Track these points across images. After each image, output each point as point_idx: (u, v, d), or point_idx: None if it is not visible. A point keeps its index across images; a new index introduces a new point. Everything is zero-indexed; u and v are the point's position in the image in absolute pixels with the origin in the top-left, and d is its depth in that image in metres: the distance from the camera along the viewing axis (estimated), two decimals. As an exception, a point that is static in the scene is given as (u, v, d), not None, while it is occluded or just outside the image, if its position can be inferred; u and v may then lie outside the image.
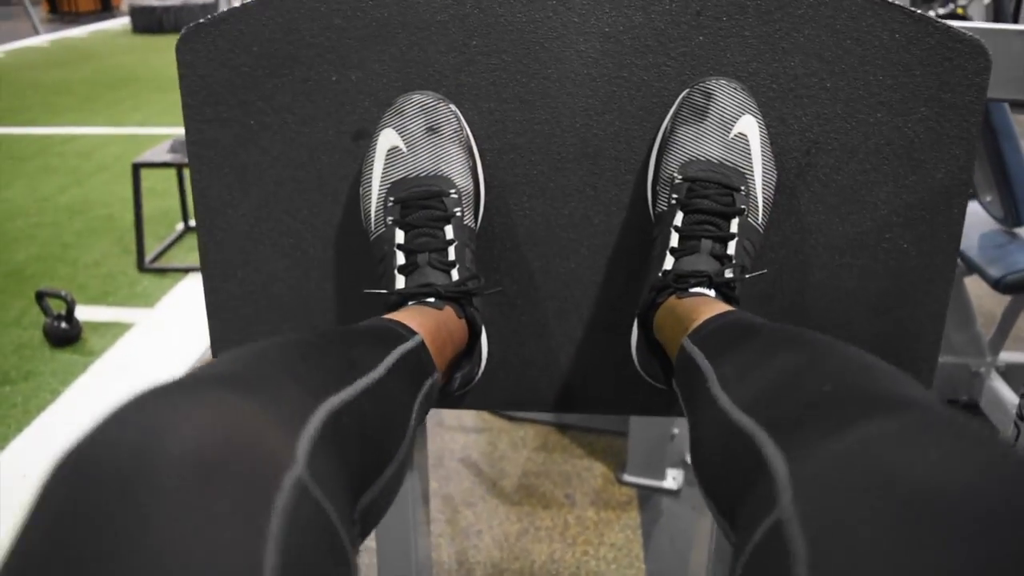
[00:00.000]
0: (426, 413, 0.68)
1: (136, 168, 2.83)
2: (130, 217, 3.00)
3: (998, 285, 1.70)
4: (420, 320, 0.71)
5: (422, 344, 0.67)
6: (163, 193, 3.44)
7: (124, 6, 9.07)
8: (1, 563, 0.32)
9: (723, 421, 0.50)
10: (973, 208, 1.88)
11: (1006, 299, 1.92)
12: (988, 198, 1.80)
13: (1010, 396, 1.89)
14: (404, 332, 0.67)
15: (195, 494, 0.32)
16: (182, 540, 0.31)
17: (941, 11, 2.95)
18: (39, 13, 8.64)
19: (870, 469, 0.34)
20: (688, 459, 1.82)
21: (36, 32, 7.76)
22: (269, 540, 0.33)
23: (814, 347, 0.53)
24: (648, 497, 1.76)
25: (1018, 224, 1.76)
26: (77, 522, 0.32)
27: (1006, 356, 2.03)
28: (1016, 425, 1.32)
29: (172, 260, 3.00)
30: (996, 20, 3.48)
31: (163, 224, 3.25)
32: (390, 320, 0.69)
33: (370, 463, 0.51)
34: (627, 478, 1.80)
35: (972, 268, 1.79)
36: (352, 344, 0.59)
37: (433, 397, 0.69)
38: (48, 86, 5.93)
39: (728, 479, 0.48)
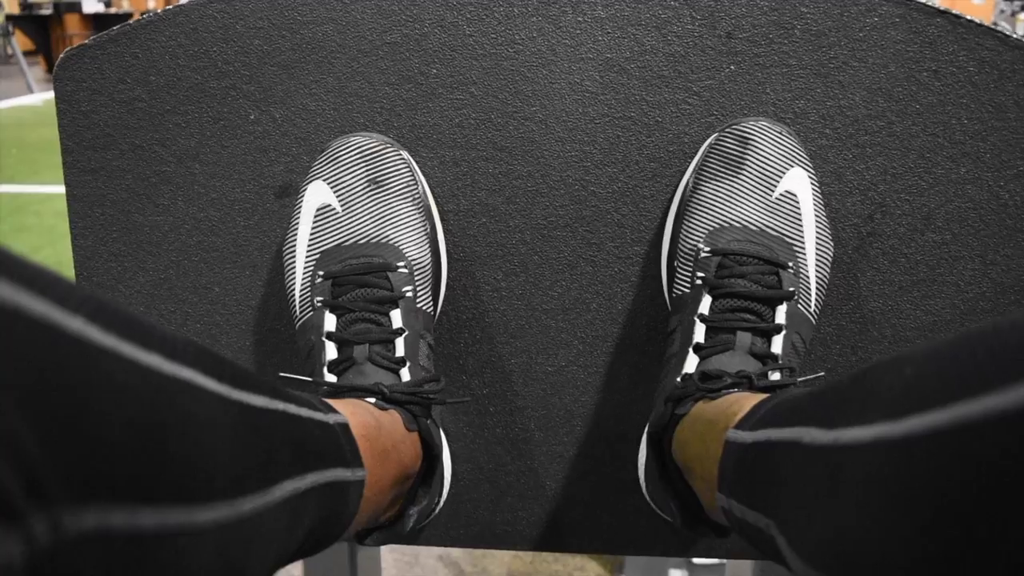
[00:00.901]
0: (339, 526, 0.49)
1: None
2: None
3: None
4: (351, 410, 0.53)
5: (344, 427, 0.49)
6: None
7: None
8: None
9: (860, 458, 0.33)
10: None
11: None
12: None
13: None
14: (320, 406, 0.48)
15: None
16: None
17: None
18: (36, 72, 8.71)
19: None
20: (694, 559, 1.64)
21: (30, 91, 7.83)
22: None
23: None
24: (652, 608, 1.58)
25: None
26: None
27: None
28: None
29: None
30: None
31: (134, 288, 3.12)
32: (307, 395, 0.50)
33: (162, 470, 0.29)
34: (628, 584, 1.62)
35: None
36: (234, 366, 0.39)
37: (351, 502, 0.49)
38: (32, 144, 5.93)
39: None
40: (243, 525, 0.35)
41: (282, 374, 0.62)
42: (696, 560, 1.63)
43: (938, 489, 0.28)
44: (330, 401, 0.53)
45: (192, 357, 0.33)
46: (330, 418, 0.48)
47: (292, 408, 0.43)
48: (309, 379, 0.60)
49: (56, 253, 3.57)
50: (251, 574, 0.37)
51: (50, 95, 7.91)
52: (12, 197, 4.56)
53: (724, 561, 1.38)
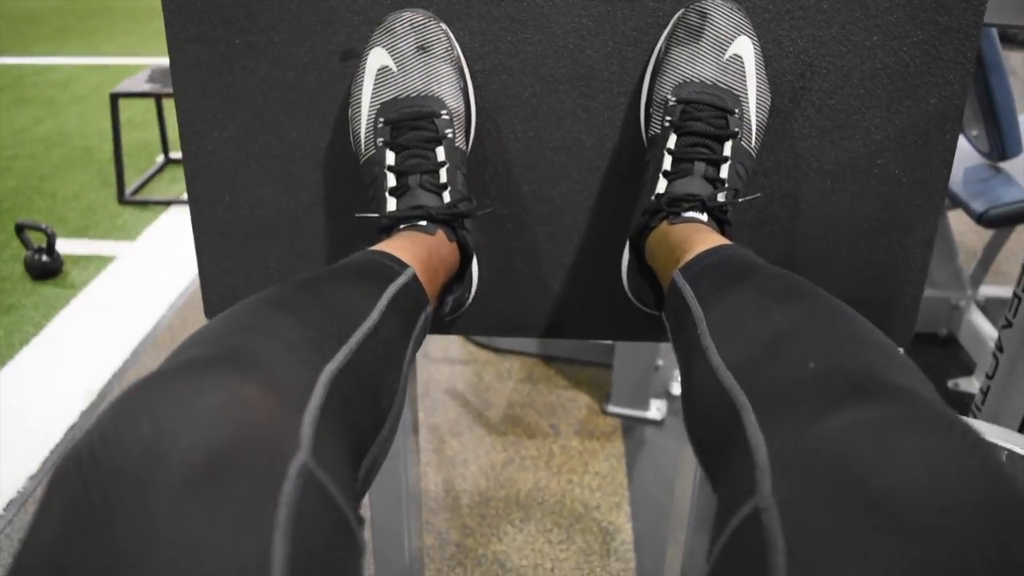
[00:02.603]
0: (419, 347, 0.68)
1: (114, 99, 2.78)
2: (109, 149, 2.96)
3: (981, 219, 1.71)
4: (412, 251, 0.70)
5: (414, 278, 0.67)
6: (142, 125, 3.38)
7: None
8: (16, 555, 0.33)
9: (711, 380, 0.50)
10: (958, 142, 1.88)
11: (988, 234, 1.94)
12: (974, 132, 1.80)
13: (989, 329, 1.92)
14: (396, 267, 0.66)
15: (205, 490, 0.34)
16: (192, 535, 0.32)
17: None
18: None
19: (843, 464, 0.35)
20: (672, 390, 1.84)
21: (5, -41, 7.50)
22: (277, 530, 0.34)
23: (808, 306, 0.53)
24: (632, 427, 1.79)
25: (1003, 158, 1.76)
26: (91, 516, 0.33)
27: (986, 290, 2.05)
28: (995, 356, 1.34)
29: (153, 193, 2.96)
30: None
31: (143, 156, 3.21)
32: (381, 253, 0.68)
33: (368, 424, 0.52)
34: (611, 409, 1.82)
35: (955, 202, 1.80)
36: (344, 287, 0.59)
37: (426, 330, 0.69)
38: (18, 16, 5.77)
39: (713, 438, 0.49)
40: (397, 414, 0.59)
41: (357, 215, 0.78)
42: (674, 392, 1.84)
43: (714, 409, 0.49)
44: (394, 243, 0.71)
45: (351, 311, 0.56)
46: (406, 276, 0.66)
47: (390, 291, 0.62)
48: (377, 215, 0.75)
49: (59, 124, 3.61)
50: (396, 364, 0.60)
51: (30, -36, 7.58)
52: (6, 69, 4.46)
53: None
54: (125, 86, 2.80)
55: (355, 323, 0.55)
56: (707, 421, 0.50)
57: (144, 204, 2.84)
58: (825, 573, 0.32)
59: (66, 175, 3.07)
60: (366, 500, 0.97)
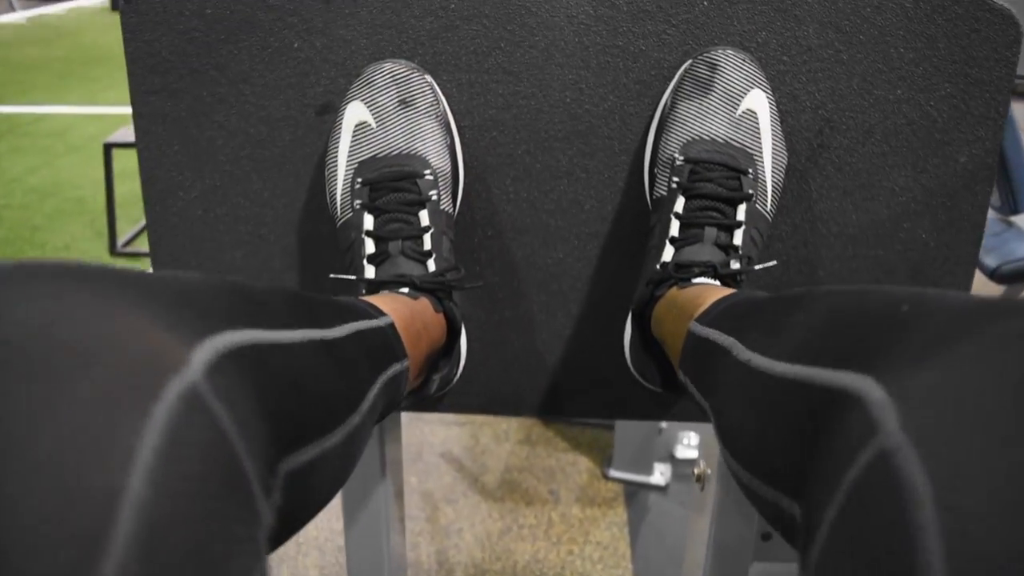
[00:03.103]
0: (394, 405, 0.61)
1: (108, 148, 2.74)
2: (102, 199, 2.91)
3: (994, 275, 1.68)
4: (392, 306, 0.63)
5: (391, 326, 0.60)
6: (136, 175, 3.33)
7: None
8: None
9: (763, 381, 0.42)
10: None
11: (1000, 289, 1.89)
12: (988, 185, 1.76)
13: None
14: (371, 310, 0.59)
15: (70, 382, 0.26)
16: (53, 421, 0.25)
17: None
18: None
19: (1004, 370, 0.26)
20: (676, 454, 1.77)
21: (12, 8, 7.63)
22: (146, 433, 0.26)
23: (858, 289, 0.44)
24: (635, 493, 1.72)
25: (1015, 212, 1.73)
26: None
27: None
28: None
29: (145, 244, 2.90)
30: None
31: (136, 207, 3.16)
32: (357, 300, 0.61)
33: (305, 420, 0.42)
34: (613, 473, 1.75)
35: (971, 257, 1.75)
36: (309, 303, 0.51)
37: (402, 386, 0.61)
38: (21, 64, 5.81)
39: (782, 439, 0.40)
40: (353, 434, 0.48)
41: (332, 275, 0.71)
42: (679, 455, 1.77)
43: (783, 412, 0.40)
44: (371, 298, 0.64)
45: (302, 319, 0.45)
46: (382, 321, 0.58)
47: (360, 325, 0.53)
48: (353, 278, 0.69)
49: (53, 173, 3.58)
50: (357, 460, 0.50)
51: (33, 12, 7.75)
52: (3, 118, 4.48)
53: (698, 457, 1.50)
54: (119, 136, 2.76)
55: (308, 323, 0.45)
56: (768, 425, 0.42)
57: (136, 256, 2.79)
58: (994, 528, 0.23)
59: (58, 226, 3.03)
60: (344, 573, 0.88)
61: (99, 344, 0.27)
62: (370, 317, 0.57)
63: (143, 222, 3.02)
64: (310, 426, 0.42)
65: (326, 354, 0.46)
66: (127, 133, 2.78)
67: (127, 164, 3.17)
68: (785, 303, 0.49)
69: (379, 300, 0.64)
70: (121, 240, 2.84)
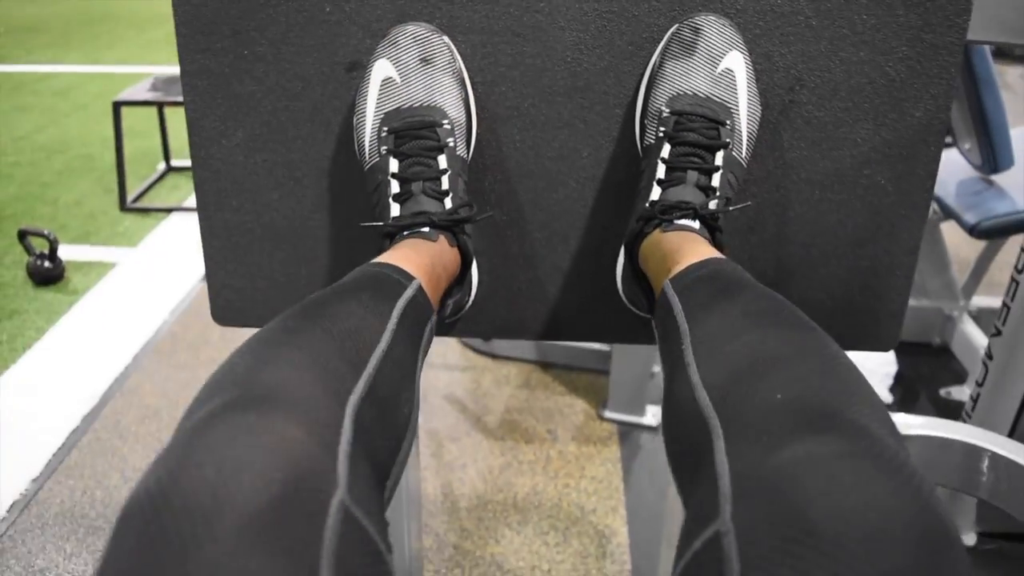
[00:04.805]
0: (427, 354, 0.72)
1: (117, 107, 2.81)
2: (110, 156, 2.99)
3: (973, 231, 1.73)
4: (416, 260, 0.72)
5: (420, 289, 0.70)
6: (144, 132, 3.41)
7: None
8: None
9: (690, 399, 0.53)
10: (951, 155, 1.91)
11: (980, 245, 1.97)
12: (967, 145, 1.83)
13: (980, 339, 1.95)
14: (402, 279, 0.69)
15: (264, 528, 0.37)
16: (253, 570, 0.36)
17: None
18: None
19: (791, 495, 0.38)
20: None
21: (7, -33, 7.55)
22: (322, 563, 0.38)
23: (785, 333, 0.56)
24: (628, 433, 1.81)
25: (995, 171, 1.79)
26: (162, 551, 0.36)
27: (978, 300, 2.08)
28: (984, 364, 1.37)
29: (154, 200, 2.99)
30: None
31: (144, 164, 3.23)
32: (386, 266, 0.71)
33: (389, 447, 0.56)
34: (608, 414, 1.85)
35: (948, 214, 1.83)
36: (355, 309, 0.62)
37: (432, 337, 0.73)
38: (20, 23, 5.81)
39: (686, 456, 0.53)
40: (416, 383, 0.63)
41: (363, 224, 0.80)
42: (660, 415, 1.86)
43: (687, 428, 0.52)
44: (399, 251, 0.74)
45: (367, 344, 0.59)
46: (412, 288, 0.69)
47: (400, 304, 0.65)
48: (381, 223, 0.78)
49: (61, 132, 3.64)
50: (410, 382, 0.64)
51: (31, -28, 7.63)
52: (7, 76, 4.50)
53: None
54: (128, 94, 2.83)
55: (370, 346, 0.58)
56: (682, 438, 0.54)
57: (145, 211, 2.87)
58: None
59: (68, 182, 3.10)
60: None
61: (277, 490, 0.39)
62: (402, 288, 0.68)
63: (151, 178, 3.10)
64: (393, 449, 0.57)
65: (388, 372, 0.58)
66: (134, 92, 2.85)
67: (133, 122, 3.25)
68: (735, 312, 0.60)
69: (405, 255, 0.73)
70: (131, 196, 2.92)
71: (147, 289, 2.38)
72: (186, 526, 0.36)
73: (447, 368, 2.00)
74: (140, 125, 3.41)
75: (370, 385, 0.54)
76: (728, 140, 0.78)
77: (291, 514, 0.39)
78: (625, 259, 0.82)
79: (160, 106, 2.96)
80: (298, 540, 0.38)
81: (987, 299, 2.11)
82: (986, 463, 1.03)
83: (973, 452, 1.04)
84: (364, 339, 0.58)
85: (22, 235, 2.37)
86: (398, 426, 0.58)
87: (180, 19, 0.84)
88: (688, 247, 0.72)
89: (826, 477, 0.39)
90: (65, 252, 2.50)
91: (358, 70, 0.84)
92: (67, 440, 1.77)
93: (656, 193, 0.78)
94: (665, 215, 0.76)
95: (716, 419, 0.49)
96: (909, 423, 1.10)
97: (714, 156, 0.77)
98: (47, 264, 2.37)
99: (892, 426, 0.46)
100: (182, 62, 0.86)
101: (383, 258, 0.72)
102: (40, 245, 2.39)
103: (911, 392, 1.95)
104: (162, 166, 3.21)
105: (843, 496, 0.37)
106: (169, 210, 2.87)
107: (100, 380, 1.97)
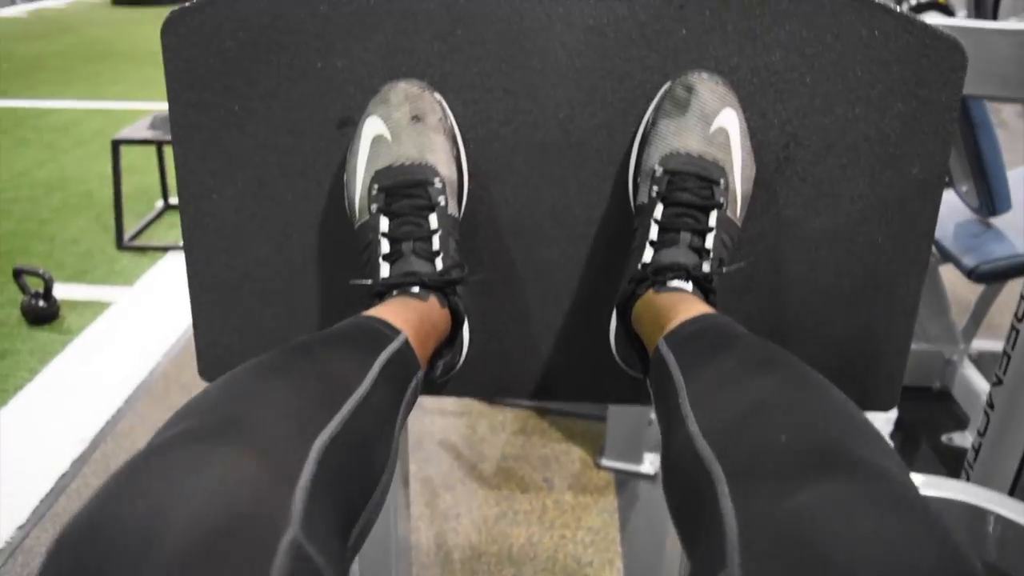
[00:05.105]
0: (411, 410, 0.70)
1: (116, 145, 2.81)
2: (109, 194, 2.98)
3: (972, 275, 1.72)
4: (404, 316, 0.72)
5: (406, 343, 0.69)
6: (143, 170, 3.41)
7: (102, -22, 8.92)
8: None
9: (689, 448, 0.52)
10: (949, 197, 1.91)
11: (980, 288, 1.96)
12: (964, 188, 1.83)
13: (982, 383, 1.93)
14: (388, 332, 0.68)
15: (197, 570, 0.35)
16: None
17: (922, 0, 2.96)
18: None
19: (806, 542, 0.37)
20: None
21: (12, 2, 7.64)
22: None
23: (783, 377, 0.55)
24: (626, 481, 1.79)
25: (992, 214, 1.79)
26: None
27: (978, 344, 2.07)
28: (986, 414, 1.35)
29: (151, 238, 2.98)
30: (976, 10, 3.50)
31: (142, 201, 3.23)
32: (373, 318, 0.70)
33: (359, 492, 0.54)
34: (605, 462, 1.82)
35: (947, 257, 1.82)
36: (337, 354, 0.61)
37: (417, 394, 0.71)
38: (24, 58, 5.86)
39: (688, 506, 0.51)
40: (395, 436, 0.61)
41: (352, 281, 0.79)
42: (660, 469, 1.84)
43: (687, 477, 0.50)
44: (388, 307, 0.73)
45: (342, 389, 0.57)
46: (398, 341, 0.68)
47: (383, 356, 0.64)
48: (370, 282, 0.77)
49: (60, 168, 3.64)
50: (386, 434, 0.61)
51: (33, 6, 7.75)
52: (9, 111, 4.52)
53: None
54: (127, 133, 2.84)
55: (347, 391, 0.56)
56: (684, 489, 0.52)
57: (142, 250, 2.86)
58: None
59: (65, 219, 3.10)
60: (355, 559, 0.97)
61: (217, 525, 0.37)
62: (387, 340, 0.67)
63: (149, 216, 3.10)
64: (361, 498, 0.55)
65: (363, 419, 0.56)
66: (133, 130, 2.85)
67: (133, 159, 3.25)
68: (731, 362, 0.59)
69: (394, 310, 0.72)
70: (128, 234, 2.91)
71: (142, 329, 2.37)
72: (111, 567, 0.35)
73: (442, 414, 1.98)
74: (139, 162, 3.41)
75: (342, 428, 0.52)
76: (722, 200, 0.77)
77: (232, 550, 0.37)
78: (617, 320, 0.81)
79: (159, 144, 2.97)
80: None
81: (987, 342, 2.09)
82: (991, 525, 1.01)
83: (977, 514, 1.02)
84: (343, 383, 0.56)
85: (17, 274, 2.36)
86: (371, 472, 0.56)
87: (170, 73, 0.84)
88: (681, 305, 0.71)
89: (845, 522, 0.37)
90: (60, 291, 2.49)
91: (349, 126, 0.84)
92: (55, 485, 1.75)
93: (649, 255, 0.77)
94: (657, 277, 0.75)
95: (718, 465, 0.47)
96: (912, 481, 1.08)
97: (708, 216, 0.77)
98: (41, 303, 2.35)
99: (903, 465, 0.44)
100: (172, 116, 0.85)
101: (372, 312, 0.71)
102: (35, 284, 2.38)
103: (912, 438, 1.93)
104: (160, 204, 3.21)
105: (865, 541, 0.36)
106: (166, 249, 2.87)
107: (91, 423, 1.94)
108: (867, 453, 0.44)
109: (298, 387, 0.53)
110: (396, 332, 0.68)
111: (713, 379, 0.58)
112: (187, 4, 0.82)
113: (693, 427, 0.53)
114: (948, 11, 2.81)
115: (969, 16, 3.50)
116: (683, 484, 0.52)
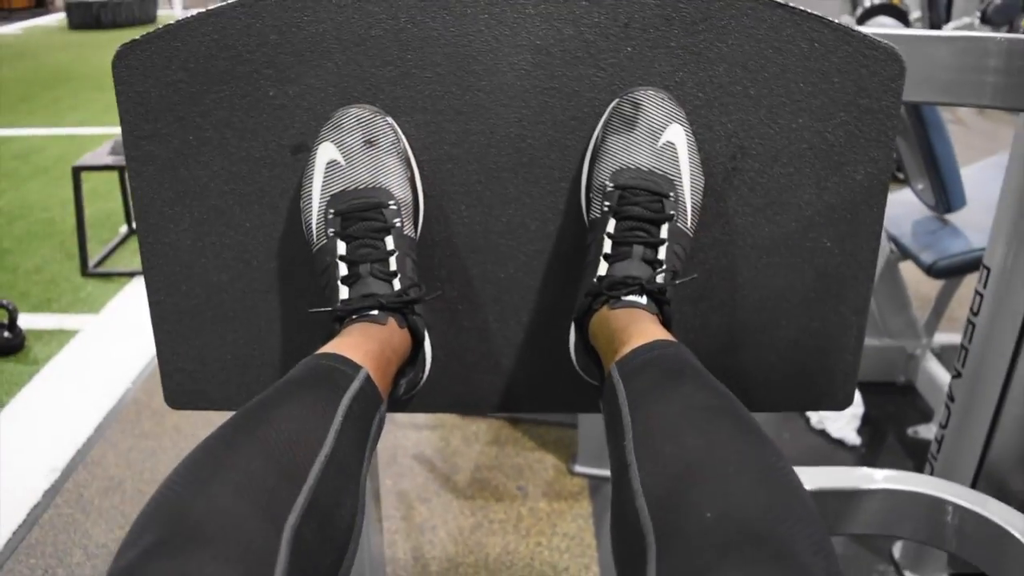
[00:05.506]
0: (375, 447, 0.71)
1: (76, 172, 2.79)
2: (72, 221, 2.96)
3: (930, 271, 1.76)
4: (365, 348, 0.72)
5: (367, 379, 0.70)
6: (105, 195, 3.38)
7: (59, 2, 8.84)
8: None
9: (631, 505, 0.54)
10: (906, 195, 1.94)
11: (940, 283, 1.99)
12: (920, 186, 1.87)
13: (944, 376, 1.97)
14: (348, 370, 0.69)
15: None
16: None
17: (876, 1, 3.01)
18: (-30, 10, 8.39)
19: None
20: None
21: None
22: None
23: (724, 435, 0.57)
24: (599, 486, 1.80)
25: (948, 211, 1.82)
26: None
27: (940, 338, 2.10)
28: (947, 407, 1.38)
29: (117, 264, 2.96)
30: (930, 10, 3.56)
31: (106, 227, 3.21)
32: (332, 356, 0.70)
33: (332, 560, 0.56)
34: (578, 469, 1.83)
35: (906, 254, 1.86)
36: (297, 409, 0.62)
37: (381, 429, 0.72)
38: (-19, 86, 5.78)
39: (624, 563, 0.54)
40: (361, 486, 0.62)
41: (311, 310, 0.80)
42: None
43: (626, 530, 0.54)
44: (346, 338, 0.74)
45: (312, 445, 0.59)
46: (360, 377, 0.69)
47: (345, 400, 0.65)
48: (329, 309, 0.78)
49: (21, 196, 3.60)
50: (354, 488, 0.63)
51: (-9, 34, 7.59)
52: (-31, 141, 4.48)
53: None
54: (88, 159, 2.82)
55: (312, 453, 0.58)
56: (621, 542, 0.55)
57: (108, 276, 2.84)
58: None
59: (28, 248, 3.07)
60: None
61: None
62: (348, 380, 0.68)
63: (114, 242, 3.07)
64: (334, 560, 0.57)
65: (333, 470, 0.58)
66: (94, 157, 2.83)
67: (95, 184, 3.23)
68: (678, 407, 0.62)
69: (353, 341, 0.73)
70: (92, 260, 2.89)
71: (110, 357, 2.35)
72: None
73: (415, 427, 1.99)
74: (102, 187, 3.39)
75: (310, 500, 0.54)
76: (672, 212, 0.78)
77: None
78: (576, 333, 0.82)
79: (121, 170, 2.95)
80: None
81: (949, 336, 2.13)
82: (950, 515, 1.04)
83: (937, 505, 1.04)
84: (305, 446, 0.58)
85: (-20, 306, 2.34)
86: (341, 537, 0.57)
87: (123, 106, 0.84)
88: (635, 328, 0.72)
89: None
90: (25, 321, 2.46)
91: (303, 152, 0.84)
92: (28, 516, 1.73)
93: (603, 268, 0.78)
94: (612, 291, 0.76)
95: (652, 534, 0.50)
96: (873, 477, 1.10)
97: (659, 229, 0.78)
98: (6, 334, 2.33)
99: (823, 543, 0.47)
100: (126, 148, 0.85)
101: (330, 347, 0.72)
102: (-1, 315, 2.36)
103: (879, 432, 1.96)
104: (124, 229, 3.18)
105: None
106: (132, 274, 2.85)
107: (62, 452, 1.93)
108: (788, 534, 0.47)
109: (259, 467, 0.54)
110: (356, 369, 0.69)
111: (658, 423, 0.60)
112: (137, 37, 0.82)
113: (635, 482, 0.55)
114: (902, 13, 2.85)
115: (923, 17, 3.56)
116: (623, 538, 0.55)
